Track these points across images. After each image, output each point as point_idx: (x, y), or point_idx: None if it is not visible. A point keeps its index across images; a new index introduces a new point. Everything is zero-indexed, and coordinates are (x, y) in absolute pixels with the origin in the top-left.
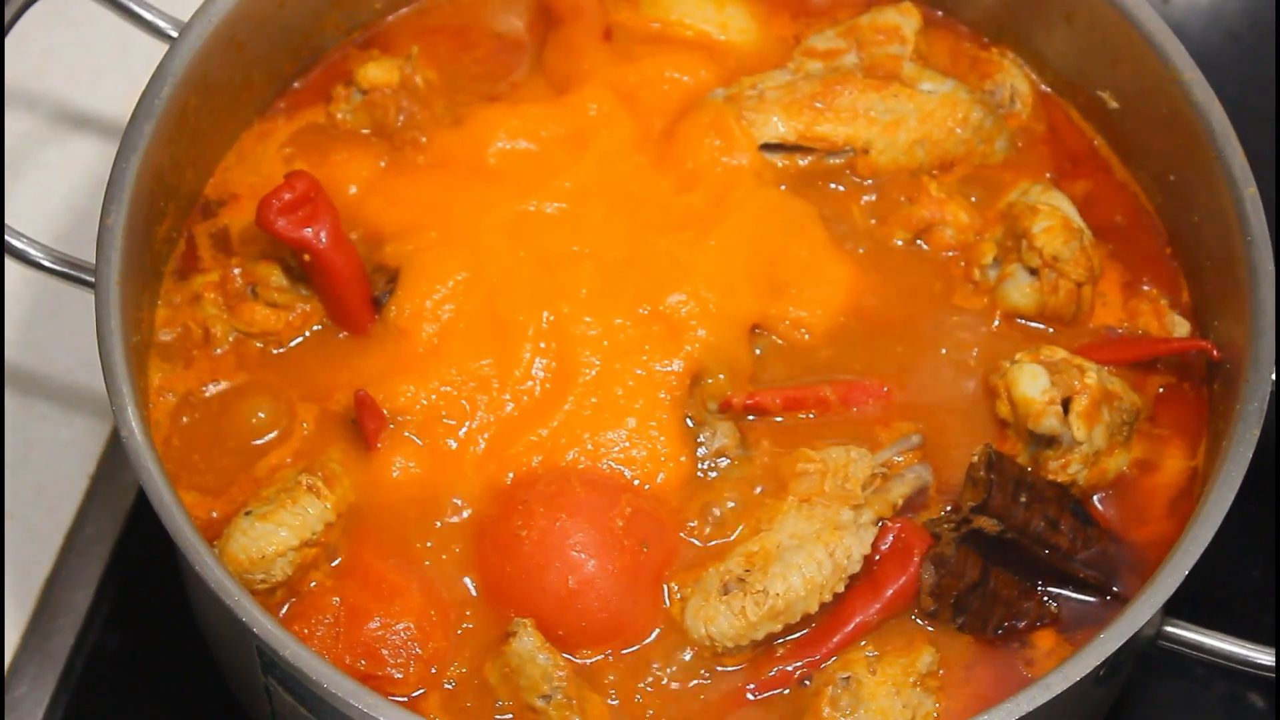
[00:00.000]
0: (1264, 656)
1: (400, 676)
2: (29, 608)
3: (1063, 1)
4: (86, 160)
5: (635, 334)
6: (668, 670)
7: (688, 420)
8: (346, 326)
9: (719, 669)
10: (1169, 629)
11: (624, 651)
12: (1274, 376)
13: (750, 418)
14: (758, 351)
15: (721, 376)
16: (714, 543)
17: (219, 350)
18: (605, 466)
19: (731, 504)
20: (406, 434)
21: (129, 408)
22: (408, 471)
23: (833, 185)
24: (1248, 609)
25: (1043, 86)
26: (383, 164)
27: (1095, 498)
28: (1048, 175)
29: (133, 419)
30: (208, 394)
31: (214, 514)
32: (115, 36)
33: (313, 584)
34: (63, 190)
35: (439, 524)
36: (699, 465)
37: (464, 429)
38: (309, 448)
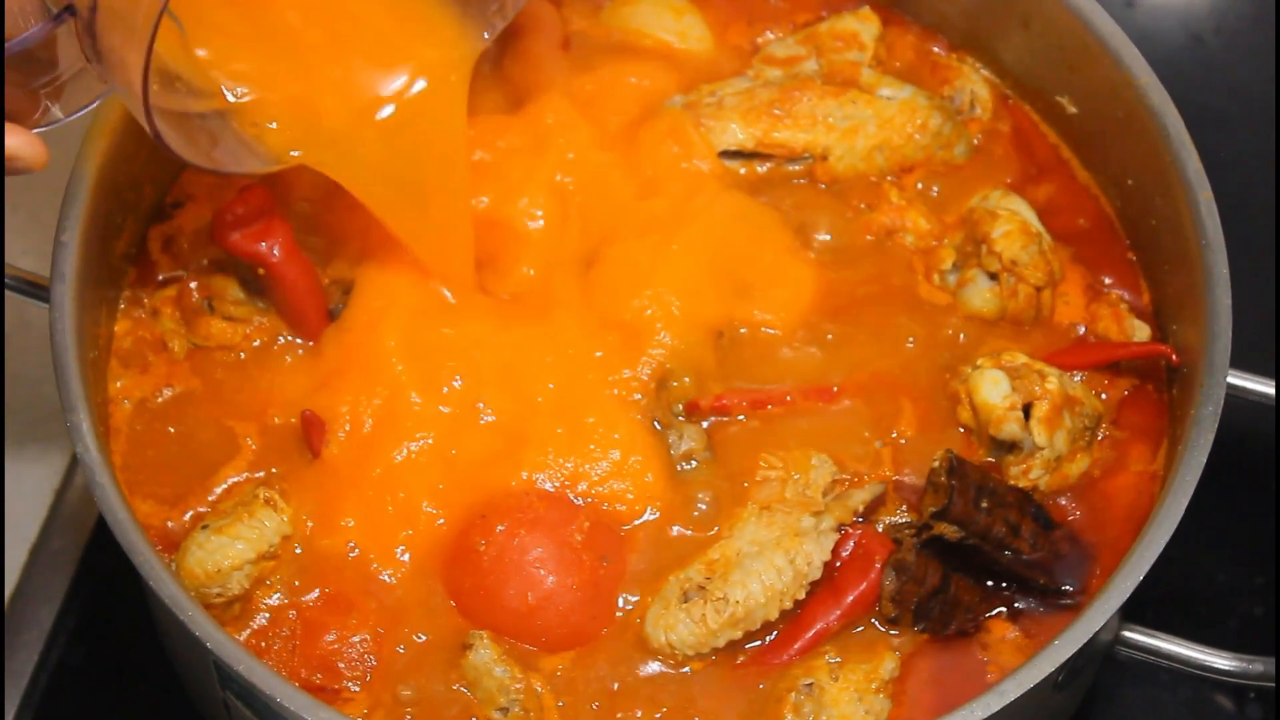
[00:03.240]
0: (1222, 661)
1: (356, 689)
2: None
3: (1020, 7)
4: (49, 176)
5: (599, 340)
6: (627, 676)
7: (655, 424)
8: (303, 337)
9: (681, 670)
10: (1127, 634)
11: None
12: (1273, 390)
13: (713, 419)
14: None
15: (687, 380)
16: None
17: (175, 353)
18: (567, 473)
19: (703, 505)
20: (359, 449)
21: (84, 424)
22: (361, 485)
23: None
24: (1212, 614)
25: (1005, 90)
26: None
27: (1058, 501)
28: (1007, 181)
29: (88, 435)
30: (161, 399)
31: (169, 523)
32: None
33: (271, 598)
34: (26, 206)
35: (396, 538)
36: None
37: (421, 441)
38: (263, 460)
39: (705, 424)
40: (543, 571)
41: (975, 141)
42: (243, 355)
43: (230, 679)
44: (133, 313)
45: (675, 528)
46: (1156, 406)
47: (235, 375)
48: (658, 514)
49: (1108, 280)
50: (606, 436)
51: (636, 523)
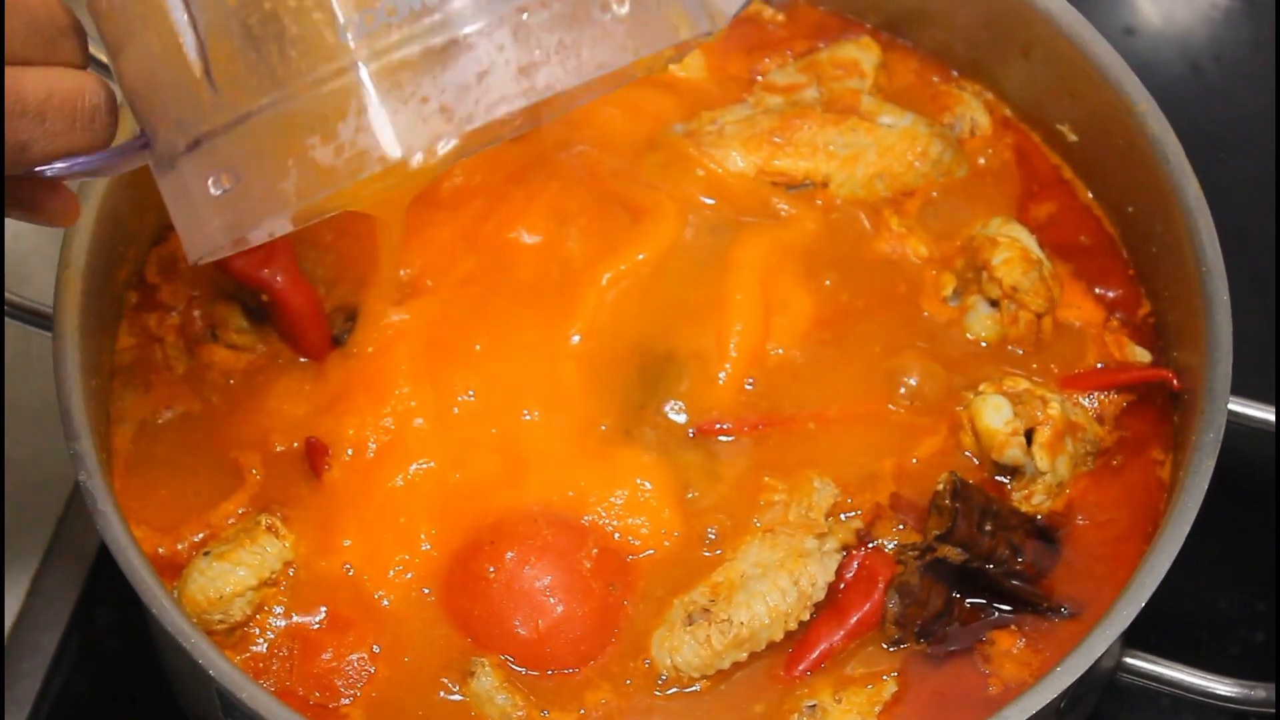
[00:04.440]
0: (1224, 688)
1: (357, 710)
2: None
3: (1020, 35)
4: None
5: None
6: (632, 699)
7: (660, 447)
8: (307, 357)
9: (686, 691)
10: (1129, 660)
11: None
12: (1274, 416)
13: (723, 438)
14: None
15: (688, 403)
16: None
17: (176, 372)
18: (576, 501)
19: (711, 533)
20: (362, 472)
21: (87, 452)
22: (362, 507)
23: None
24: (1213, 640)
25: (1006, 111)
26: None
27: (1060, 515)
28: (1010, 206)
29: (91, 463)
30: (161, 421)
31: (160, 550)
32: None
33: (270, 618)
34: (28, 235)
35: (395, 559)
36: None
37: (425, 464)
38: (266, 494)
39: (708, 447)
40: (553, 599)
41: (981, 161)
42: (232, 381)
43: (233, 707)
44: (135, 338)
45: (681, 552)
46: (1159, 415)
47: (236, 399)
48: (670, 544)
49: (1110, 295)
50: (619, 466)
51: (648, 553)
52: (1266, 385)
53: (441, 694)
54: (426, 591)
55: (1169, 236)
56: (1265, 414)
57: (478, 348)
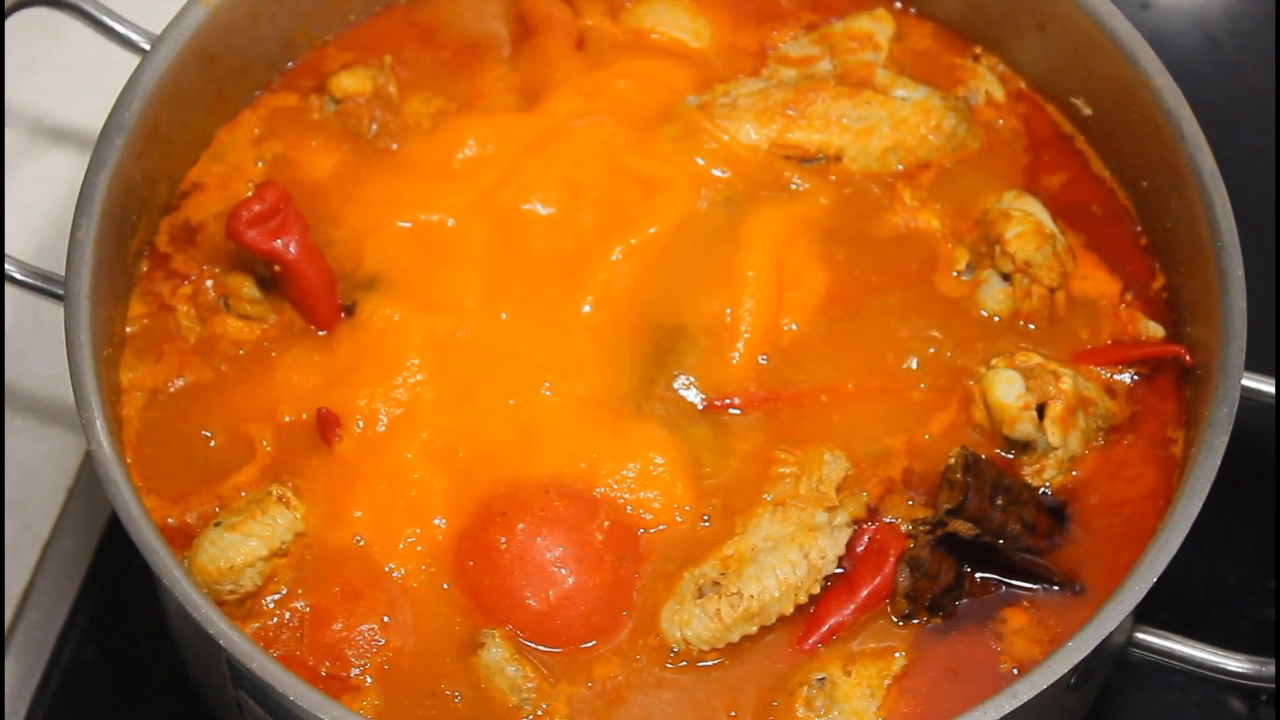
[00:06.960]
0: (1235, 664)
1: (368, 681)
2: (6, 620)
3: (1035, 9)
4: (65, 174)
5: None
6: (642, 672)
7: (673, 422)
8: (318, 328)
9: (696, 665)
10: (1140, 636)
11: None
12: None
13: (734, 412)
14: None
15: (700, 378)
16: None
17: (189, 341)
18: (589, 475)
19: (719, 503)
20: (373, 443)
21: (98, 422)
22: (373, 479)
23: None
24: (1224, 617)
25: (1020, 84)
26: (353, 158)
27: (1071, 489)
28: (1021, 191)
29: (102, 433)
30: (173, 389)
31: (170, 520)
32: (94, 50)
33: (280, 589)
34: (42, 204)
35: (405, 530)
36: None
37: (437, 437)
38: (277, 465)
39: (719, 422)
40: (564, 570)
41: (1000, 123)
42: (242, 352)
43: (243, 677)
44: (147, 307)
45: (692, 527)
46: (1172, 391)
47: (247, 369)
48: (682, 519)
49: (1120, 268)
50: (630, 440)
51: (659, 528)
52: None
53: (452, 665)
54: (436, 567)
55: (1184, 211)
56: None
57: (494, 317)
